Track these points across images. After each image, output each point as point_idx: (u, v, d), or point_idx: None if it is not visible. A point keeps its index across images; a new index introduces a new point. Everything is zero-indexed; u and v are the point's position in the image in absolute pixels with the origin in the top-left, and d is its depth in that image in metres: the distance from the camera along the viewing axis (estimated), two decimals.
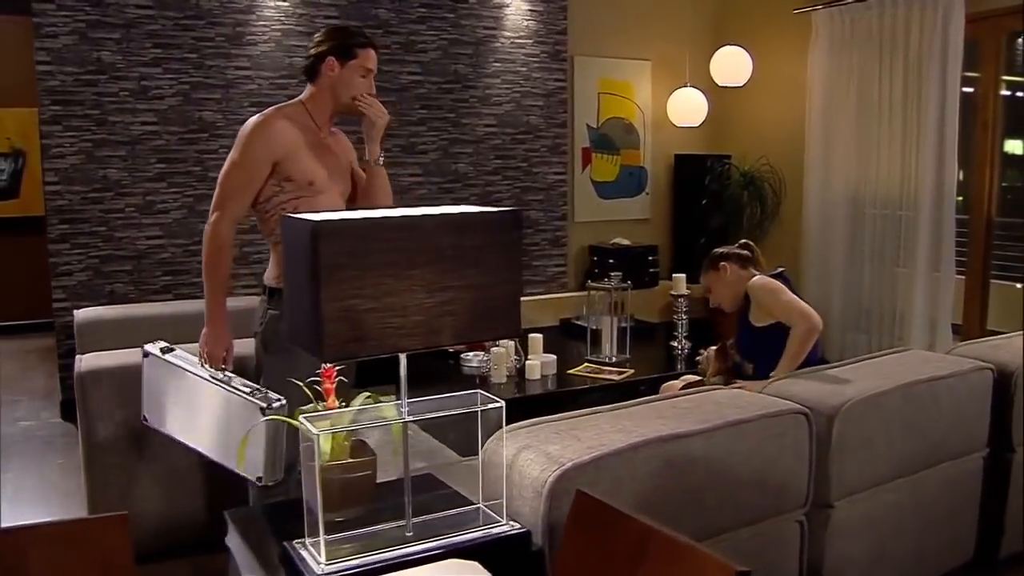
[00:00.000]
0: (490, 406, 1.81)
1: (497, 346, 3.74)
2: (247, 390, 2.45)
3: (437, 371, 4.16)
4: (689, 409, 2.12)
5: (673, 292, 4.30)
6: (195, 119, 4.79)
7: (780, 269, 3.07)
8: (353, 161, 2.81)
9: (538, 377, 3.76)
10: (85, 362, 2.91)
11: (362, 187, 2.77)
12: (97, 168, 4.57)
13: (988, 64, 4.86)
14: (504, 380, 3.71)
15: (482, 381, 3.75)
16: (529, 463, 1.88)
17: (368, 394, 2.11)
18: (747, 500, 2.04)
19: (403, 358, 1.73)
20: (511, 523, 1.82)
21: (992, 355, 2.62)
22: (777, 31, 6.01)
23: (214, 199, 2.55)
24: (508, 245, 1.68)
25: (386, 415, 1.85)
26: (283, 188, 2.54)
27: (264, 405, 2.41)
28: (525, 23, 5.68)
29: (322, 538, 1.68)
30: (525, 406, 3.57)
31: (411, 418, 1.79)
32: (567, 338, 4.79)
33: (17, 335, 6.77)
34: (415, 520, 1.80)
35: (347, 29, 2.65)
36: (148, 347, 2.70)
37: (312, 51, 2.60)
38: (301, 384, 1.99)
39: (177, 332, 3.02)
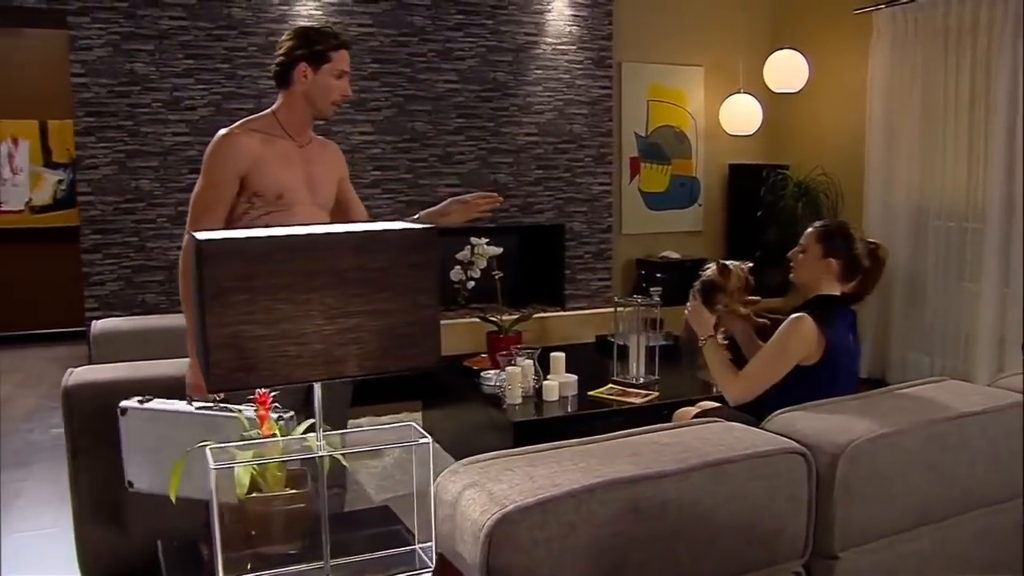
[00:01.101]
0: (420, 441, 1.63)
1: (512, 365, 3.56)
2: (232, 409, 2.35)
3: (458, 388, 4.01)
4: (668, 445, 1.90)
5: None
6: None
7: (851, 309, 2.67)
8: (341, 174, 2.68)
9: (556, 399, 3.55)
10: (75, 376, 2.85)
11: (342, 208, 2.66)
12: (130, 179, 4.59)
13: None
14: (519, 401, 3.52)
15: (499, 400, 3.58)
16: (471, 503, 1.70)
17: (314, 421, 1.96)
18: (731, 549, 1.80)
19: (318, 388, 1.57)
20: None
21: None
22: (835, 33, 5.67)
23: (187, 221, 2.45)
24: (421, 265, 1.50)
25: (310, 446, 1.69)
26: (253, 204, 2.43)
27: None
28: (568, 29, 5.51)
29: None
30: (536, 429, 3.38)
31: (327, 452, 1.62)
32: (601, 356, 4.57)
33: (66, 342, 6.91)
34: (336, 562, 1.64)
35: (317, 30, 2.50)
36: (124, 403, 2.57)
37: (281, 57, 2.46)
38: (238, 415, 1.86)
39: None
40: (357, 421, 4.62)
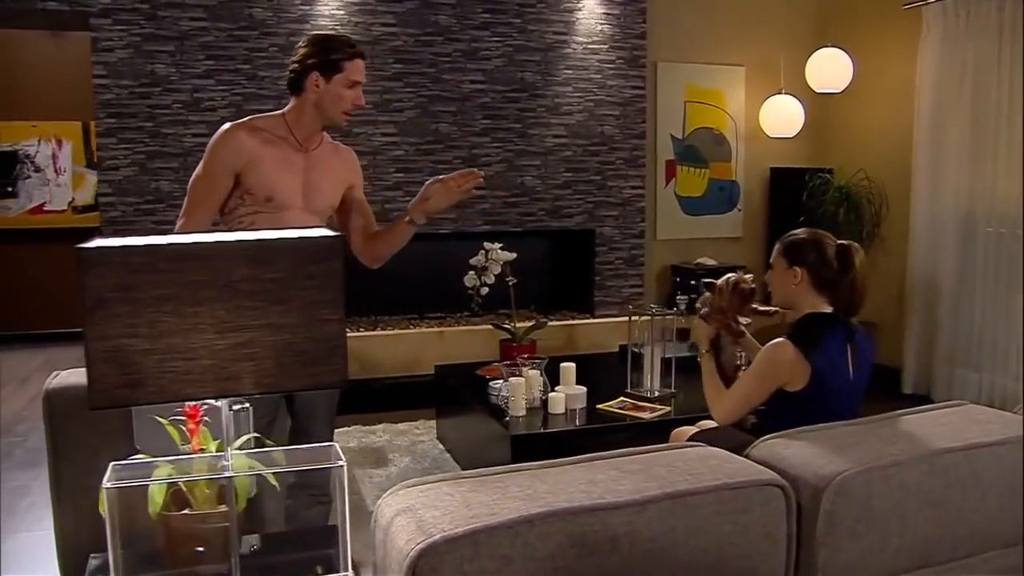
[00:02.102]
0: (337, 463, 1.51)
1: (517, 375, 3.41)
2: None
3: (468, 398, 3.87)
4: (631, 472, 1.73)
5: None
6: None
7: (855, 325, 2.43)
8: (351, 182, 2.59)
9: (562, 411, 3.40)
10: (58, 379, 2.80)
11: (364, 221, 2.61)
12: (150, 180, 4.59)
13: None
14: (522, 413, 3.37)
15: (503, 412, 3.44)
16: (400, 530, 1.56)
17: (258, 436, 1.85)
18: None
19: (225, 405, 1.46)
20: None
21: None
22: (882, 29, 5.39)
23: (183, 206, 2.45)
24: (322, 277, 1.38)
25: (232, 464, 1.57)
26: (244, 201, 2.41)
27: (227, 409, 2.22)
28: (599, 27, 5.34)
29: None
30: (536, 444, 3.24)
31: (230, 474, 1.50)
32: (623, 366, 4.38)
33: None
34: None
35: (332, 39, 2.46)
36: None
37: (295, 64, 2.43)
38: (163, 421, 1.76)
39: None
40: (373, 427, 4.54)
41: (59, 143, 6.89)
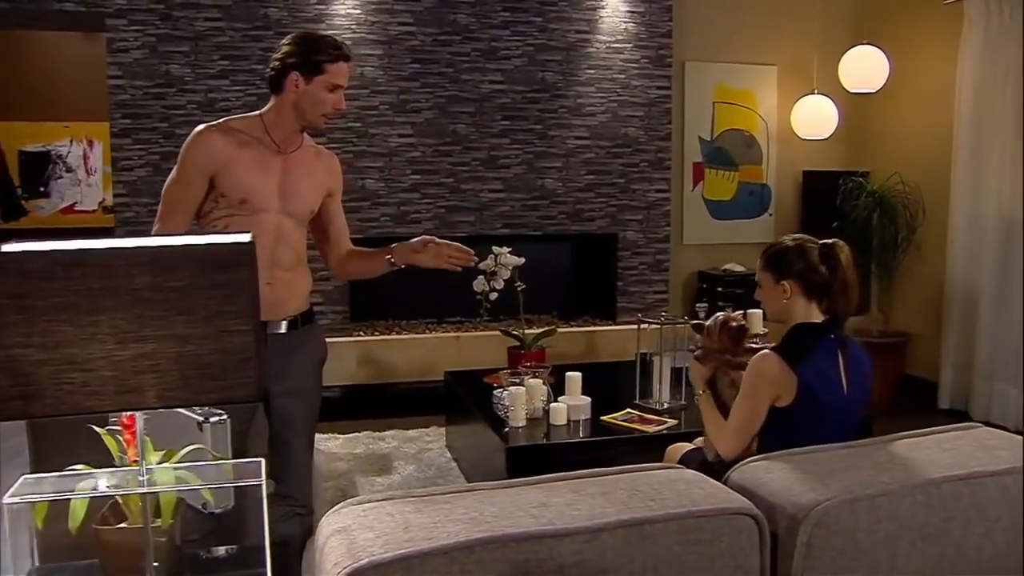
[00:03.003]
0: (253, 481, 1.40)
1: (516, 384, 3.29)
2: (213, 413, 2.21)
3: (471, 406, 3.76)
4: (590, 496, 1.60)
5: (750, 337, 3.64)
6: None
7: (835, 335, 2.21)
8: (330, 188, 2.51)
9: (564, 422, 3.26)
10: None
11: (337, 233, 2.56)
12: (163, 181, 4.55)
13: None
14: (522, 423, 3.24)
15: (503, 422, 3.32)
16: (331, 552, 1.46)
17: (198, 447, 1.76)
18: None
19: (140, 417, 1.36)
20: None
21: None
22: (921, 26, 5.15)
23: (158, 210, 2.38)
24: (229, 286, 1.27)
25: (152, 478, 1.48)
26: (218, 204, 2.33)
27: (200, 419, 2.14)
28: (623, 25, 5.19)
29: None
30: (533, 456, 3.11)
31: (147, 489, 1.41)
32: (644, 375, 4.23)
33: None
34: None
35: (315, 39, 2.35)
36: None
37: (275, 62, 2.34)
38: (100, 431, 1.67)
39: None
40: (383, 433, 4.45)
41: (90, 143, 6.96)
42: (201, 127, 2.33)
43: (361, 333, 5.02)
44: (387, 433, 4.47)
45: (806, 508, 1.59)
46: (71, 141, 6.93)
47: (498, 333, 4.91)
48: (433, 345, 4.98)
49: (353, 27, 4.77)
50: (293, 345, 2.37)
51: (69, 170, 6.98)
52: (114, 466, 1.67)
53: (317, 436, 4.31)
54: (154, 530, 1.61)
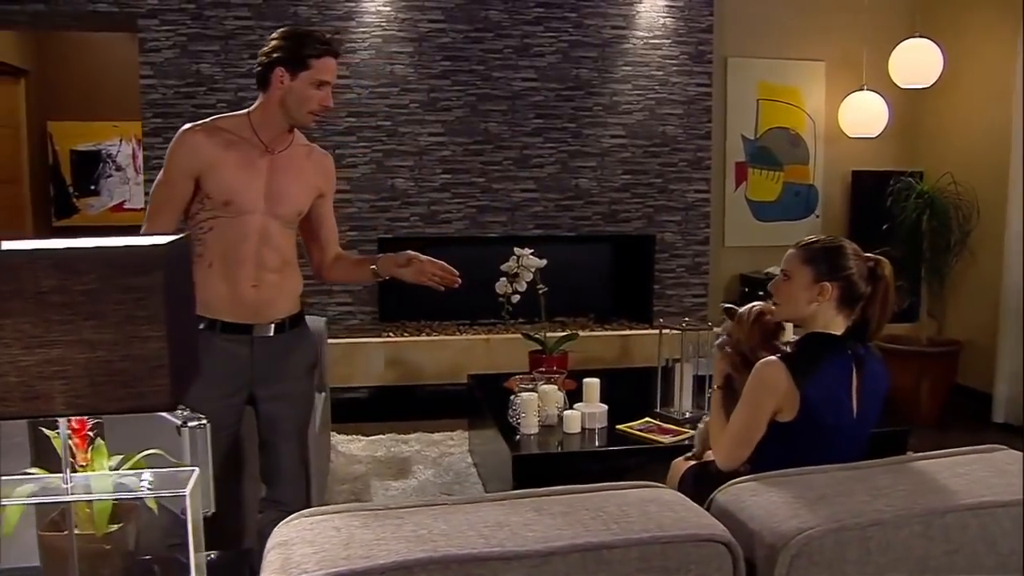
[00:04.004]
0: (179, 491, 1.33)
1: (529, 389, 3.18)
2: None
3: (488, 411, 3.66)
4: (553, 515, 1.49)
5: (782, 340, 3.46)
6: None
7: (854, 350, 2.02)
8: (322, 189, 2.44)
9: (577, 430, 3.14)
10: None
11: (326, 236, 2.50)
12: None
13: None
14: (534, 430, 3.13)
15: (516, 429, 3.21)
16: (268, 567, 1.39)
17: (153, 452, 1.70)
18: None
19: (63, 423, 1.30)
20: None
21: None
22: (978, 17, 4.88)
23: (146, 211, 2.35)
24: (142, 290, 1.19)
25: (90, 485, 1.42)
26: (204, 205, 2.28)
27: (179, 423, 2.10)
28: (662, 21, 5.03)
29: None
30: (541, 466, 3.00)
31: (72, 497, 1.35)
32: (666, 382, 4.07)
33: None
34: None
35: (302, 34, 2.29)
36: None
37: (261, 57, 2.28)
38: (50, 434, 1.62)
39: None
40: (406, 436, 4.39)
41: (139, 142, 7.06)
42: (187, 126, 2.28)
43: (390, 334, 4.97)
44: (411, 436, 4.40)
45: (786, 536, 1.45)
46: (120, 140, 7.08)
47: (505, 336, 4.82)
48: (462, 347, 4.90)
49: (383, 24, 4.72)
50: (281, 349, 2.30)
51: (119, 169, 7.13)
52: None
53: (338, 438, 4.31)
54: (100, 537, 1.56)
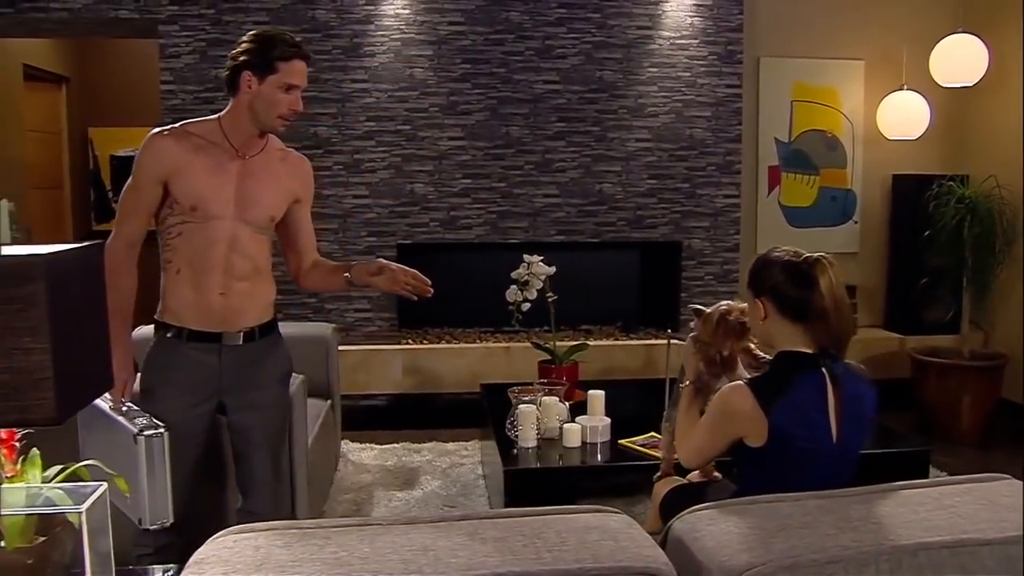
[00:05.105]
0: (73, 508, 1.26)
1: (527, 402, 3.07)
2: (133, 418, 2.13)
3: (490, 423, 3.56)
4: (485, 541, 1.39)
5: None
6: (309, 135, 4.65)
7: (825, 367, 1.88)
8: (297, 195, 2.38)
9: (577, 444, 3.02)
10: None
11: (303, 242, 2.44)
12: None
13: None
14: (532, 444, 3.02)
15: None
16: None
17: (91, 463, 1.64)
18: None
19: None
20: None
21: None
22: None
23: (116, 216, 2.33)
24: (23, 301, 1.13)
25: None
26: (173, 211, 2.24)
27: (136, 431, 2.06)
28: (689, 20, 4.88)
29: None
30: (533, 481, 2.88)
31: None
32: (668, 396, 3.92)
33: None
34: None
35: (270, 36, 2.25)
36: None
37: (229, 61, 2.25)
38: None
39: None
40: (420, 446, 4.31)
41: None
42: (155, 131, 2.25)
43: (408, 341, 4.91)
44: (424, 445, 4.32)
45: (733, 572, 1.32)
46: None
47: (516, 344, 4.71)
48: (481, 355, 4.81)
49: (402, 27, 4.66)
50: (250, 358, 2.24)
51: None
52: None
53: (351, 446, 4.25)
54: (12, 551, 1.50)
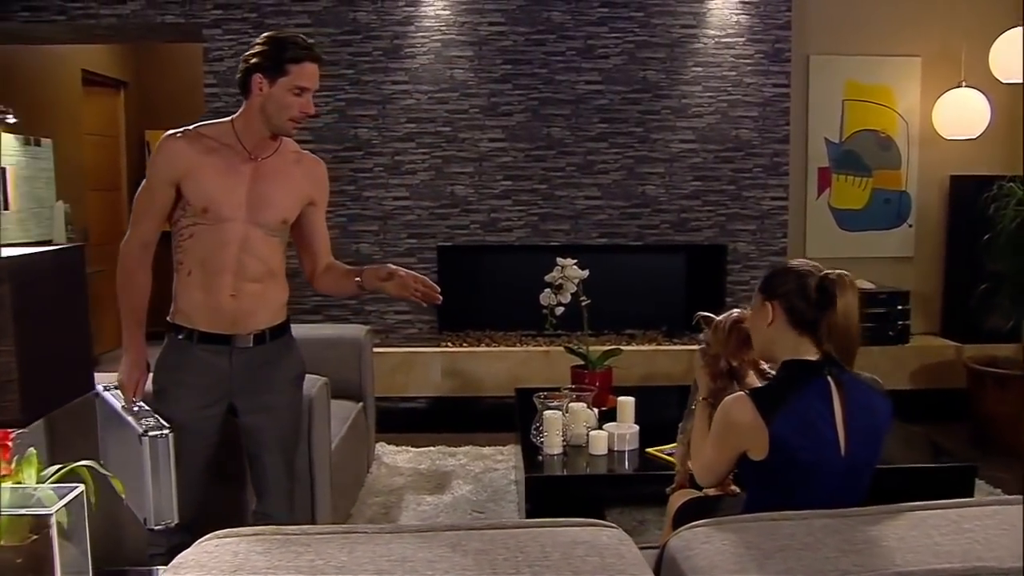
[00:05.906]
0: (38, 511, 1.25)
1: (553, 407, 3.02)
2: (141, 418, 2.15)
3: (520, 429, 3.52)
4: (466, 554, 1.34)
5: None
6: (350, 136, 4.68)
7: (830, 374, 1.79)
8: (312, 198, 2.37)
9: (603, 452, 2.95)
10: None
11: (317, 245, 2.43)
12: None
13: None
14: (557, 451, 2.96)
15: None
16: None
17: (88, 463, 1.65)
18: None
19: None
20: None
21: None
22: None
23: (130, 217, 2.34)
24: None
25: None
26: (185, 212, 2.25)
27: (141, 431, 2.07)
28: (735, 18, 4.76)
29: None
30: (555, 489, 2.82)
31: None
32: None
33: None
34: None
35: (282, 39, 2.25)
36: (99, 387, 2.48)
37: (241, 64, 2.26)
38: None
39: None
40: (455, 449, 4.28)
41: None
42: (168, 133, 2.26)
43: (448, 344, 4.89)
44: (461, 449, 4.30)
45: None
46: None
47: (549, 348, 4.64)
48: (521, 359, 4.77)
49: (443, 29, 4.65)
50: (261, 360, 2.24)
51: None
52: None
53: (387, 448, 4.24)
54: (9, 548, 1.51)
